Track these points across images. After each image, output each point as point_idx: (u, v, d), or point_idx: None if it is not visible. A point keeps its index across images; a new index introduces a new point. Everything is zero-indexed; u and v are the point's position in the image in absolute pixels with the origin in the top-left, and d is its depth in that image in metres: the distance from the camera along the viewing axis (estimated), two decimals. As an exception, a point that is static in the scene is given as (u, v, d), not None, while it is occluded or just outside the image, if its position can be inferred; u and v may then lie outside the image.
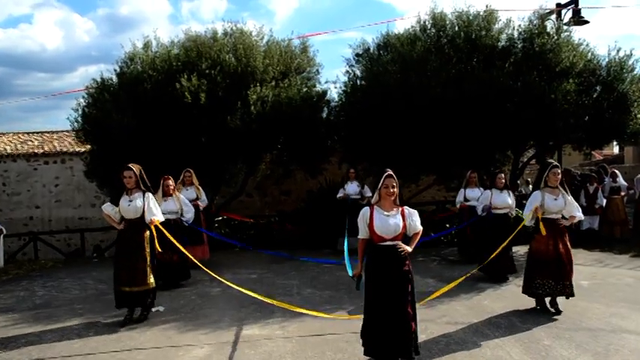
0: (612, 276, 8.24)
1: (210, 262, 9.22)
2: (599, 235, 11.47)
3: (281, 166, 12.19)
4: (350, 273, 4.82)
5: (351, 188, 10.49)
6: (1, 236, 10.88)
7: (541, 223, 6.15)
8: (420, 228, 4.68)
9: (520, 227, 6.65)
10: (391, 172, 4.57)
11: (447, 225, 11.93)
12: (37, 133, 20.38)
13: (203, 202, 9.40)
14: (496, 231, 7.75)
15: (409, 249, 4.54)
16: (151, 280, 6.19)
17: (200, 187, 9.46)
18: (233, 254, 10.18)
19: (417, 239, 4.68)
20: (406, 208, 4.62)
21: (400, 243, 4.51)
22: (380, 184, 4.54)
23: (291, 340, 5.48)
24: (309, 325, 5.88)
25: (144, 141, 10.20)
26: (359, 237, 4.65)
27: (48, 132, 20.31)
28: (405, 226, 4.52)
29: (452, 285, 6.34)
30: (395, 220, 4.48)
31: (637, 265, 8.97)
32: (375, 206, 4.56)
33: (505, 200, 8.07)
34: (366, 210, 4.59)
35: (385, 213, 4.50)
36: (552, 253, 6.11)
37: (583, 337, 5.32)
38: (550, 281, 6.10)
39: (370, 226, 4.48)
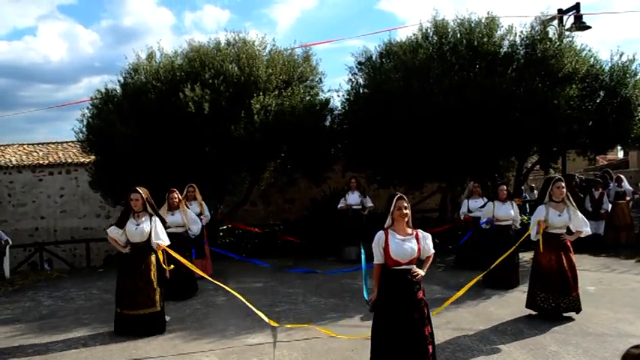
0: (618, 281, 8.21)
1: (215, 270, 9.24)
2: (604, 240, 11.42)
3: (285, 174, 12.21)
4: (366, 297, 4.75)
5: (352, 198, 10.47)
6: (8, 247, 10.93)
7: (540, 240, 6.13)
8: (433, 251, 4.63)
9: (524, 238, 6.61)
10: (401, 195, 4.53)
11: (460, 233, 11.81)
12: (42, 144, 20.51)
13: (206, 218, 9.31)
14: (499, 243, 7.74)
15: (422, 273, 4.49)
16: (157, 303, 6.16)
17: (203, 202, 9.42)
18: (237, 263, 10.16)
19: (429, 262, 4.65)
20: (420, 232, 4.56)
21: (415, 267, 4.46)
22: (392, 208, 4.47)
23: (297, 348, 5.48)
24: (315, 333, 5.87)
25: (148, 151, 10.25)
26: (375, 262, 4.55)
27: (53, 143, 20.43)
28: (419, 250, 4.46)
29: (459, 293, 6.34)
30: (410, 245, 4.42)
31: (643, 270, 8.93)
32: (389, 230, 4.48)
33: (508, 212, 8.07)
34: (380, 234, 4.49)
35: (400, 237, 4.43)
36: (555, 268, 6.08)
37: (590, 343, 5.30)
38: (552, 296, 6.06)
39: (386, 250, 4.41)
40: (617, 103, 9.86)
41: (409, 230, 4.51)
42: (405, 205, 4.48)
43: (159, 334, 6.10)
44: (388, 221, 4.54)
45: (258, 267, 9.51)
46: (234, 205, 12.85)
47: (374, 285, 4.63)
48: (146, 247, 6.14)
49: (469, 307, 6.86)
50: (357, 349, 5.20)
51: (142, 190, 6.20)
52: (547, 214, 6.11)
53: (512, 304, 6.90)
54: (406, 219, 4.50)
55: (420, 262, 4.56)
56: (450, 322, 6.16)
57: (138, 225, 6.10)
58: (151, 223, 6.15)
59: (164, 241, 6.23)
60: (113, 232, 6.20)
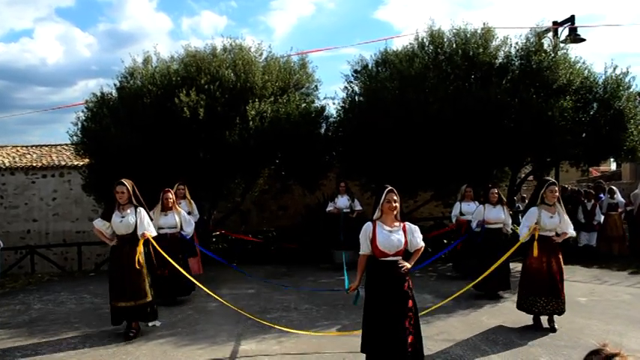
0: (610, 293, 8.22)
1: (208, 276, 9.20)
2: (597, 251, 11.46)
3: (279, 181, 12.21)
4: (347, 285, 4.82)
5: (342, 202, 10.51)
6: (-1, 250, 10.84)
7: (535, 244, 6.12)
8: (422, 244, 4.69)
9: (517, 246, 6.61)
10: (392, 188, 4.61)
11: (445, 241, 11.90)
12: (36, 146, 20.42)
13: (195, 217, 9.30)
14: (489, 246, 7.75)
15: (409, 265, 4.55)
16: (148, 293, 6.17)
17: (192, 201, 9.41)
18: (230, 269, 10.12)
19: (419, 255, 4.70)
20: (407, 224, 4.64)
21: (401, 259, 4.52)
22: (382, 200, 4.56)
23: (288, 356, 5.45)
24: (307, 340, 5.85)
25: (142, 155, 10.21)
26: (360, 253, 4.64)
27: (47, 145, 20.36)
28: (406, 242, 4.53)
29: (447, 300, 6.34)
30: (397, 236, 4.50)
31: (635, 282, 8.95)
32: (377, 222, 4.57)
33: (498, 215, 8.06)
34: (368, 225, 4.58)
35: (387, 229, 4.51)
36: (545, 271, 6.12)
37: (580, 355, 5.22)
38: (543, 298, 6.10)
39: (373, 241, 4.48)
40: (611, 115, 9.93)
41: (397, 223, 4.58)
42: (395, 198, 4.55)
43: (153, 320, 6.36)
44: (377, 213, 4.61)
45: (252, 273, 9.48)
46: (228, 210, 12.82)
47: (356, 275, 4.71)
48: (132, 239, 6.12)
49: (461, 316, 6.86)
50: (348, 358, 5.18)
51: (128, 183, 6.19)
52: (539, 217, 6.15)
53: (504, 313, 6.90)
54: (395, 212, 4.56)
55: (408, 254, 4.62)
56: (442, 332, 6.15)
57: (123, 217, 6.09)
58: (136, 215, 6.13)
59: (150, 231, 6.22)
60: (98, 224, 6.19)
